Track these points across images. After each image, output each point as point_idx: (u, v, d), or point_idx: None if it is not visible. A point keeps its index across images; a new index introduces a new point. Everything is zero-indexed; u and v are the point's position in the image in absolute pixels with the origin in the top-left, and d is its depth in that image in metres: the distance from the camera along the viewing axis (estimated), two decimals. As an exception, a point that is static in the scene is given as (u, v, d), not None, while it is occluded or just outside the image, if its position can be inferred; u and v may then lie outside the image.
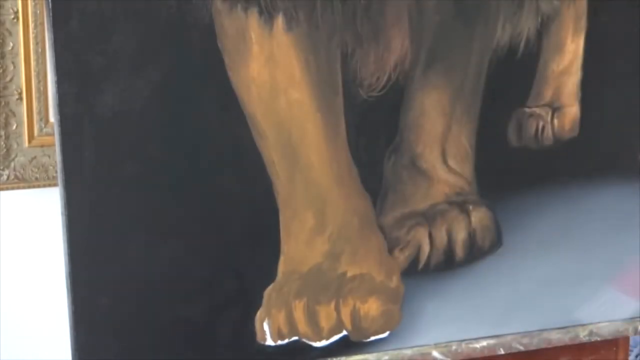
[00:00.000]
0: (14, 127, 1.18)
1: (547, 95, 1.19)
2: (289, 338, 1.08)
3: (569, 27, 1.18)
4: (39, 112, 1.18)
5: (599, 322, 1.24)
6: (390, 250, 1.12)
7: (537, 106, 1.18)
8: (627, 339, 1.35)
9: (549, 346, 1.22)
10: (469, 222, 1.16)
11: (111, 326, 1.01)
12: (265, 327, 1.07)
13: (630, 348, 1.43)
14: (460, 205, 1.15)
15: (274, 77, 1.02)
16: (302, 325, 1.08)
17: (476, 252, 1.17)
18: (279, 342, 1.08)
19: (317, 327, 1.09)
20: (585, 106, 1.20)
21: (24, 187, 1.20)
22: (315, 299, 1.08)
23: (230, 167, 1.03)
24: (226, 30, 1.00)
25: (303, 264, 1.08)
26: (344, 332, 1.10)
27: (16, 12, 1.15)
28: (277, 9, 1.01)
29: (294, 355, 1.09)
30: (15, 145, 1.18)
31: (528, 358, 1.22)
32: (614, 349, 1.35)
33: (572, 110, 1.20)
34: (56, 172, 1.03)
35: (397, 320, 1.13)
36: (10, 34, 1.15)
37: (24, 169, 1.19)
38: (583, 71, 1.20)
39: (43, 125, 1.19)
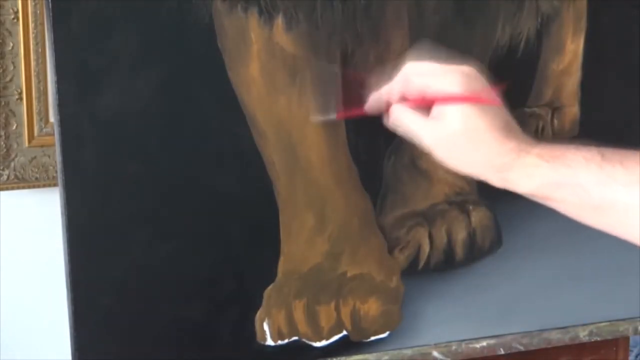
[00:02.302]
0: (14, 127, 1.18)
1: (547, 95, 1.19)
2: (289, 338, 1.08)
3: (569, 27, 1.18)
4: (39, 112, 1.18)
5: (599, 322, 1.24)
6: (390, 250, 1.12)
7: (537, 106, 1.18)
8: (627, 339, 1.35)
9: (549, 346, 1.22)
10: (469, 222, 1.16)
11: (111, 326, 1.01)
12: (265, 327, 1.07)
13: (630, 348, 1.43)
14: (460, 205, 1.15)
15: (274, 77, 1.02)
16: (302, 325, 1.08)
17: (476, 252, 1.17)
18: (279, 342, 1.08)
19: (317, 327, 1.09)
20: (585, 106, 1.20)
21: (24, 187, 1.20)
22: (315, 299, 1.08)
23: (230, 167, 1.03)
24: (226, 30, 1.00)
25: (303, 264, 1.08)
26: (344, 332, 1.10)
27: (16, 12, 1.15)
28: (277, 9, 1.01)
29: (294, 355, 1.09)
30: (15, 145, 1.18)
31: (528, 358, 1.22)
32: (614, 349, 1.35)
33: (572, 110, 1.20)
34: (56, 172, 1.03)
35: (397, 320, 1.13)
36: (10, 34, 1.15)
37: (24, 169, 1.19)
38: (583, 71, 1.20)
39: (43, 125, 1.18)
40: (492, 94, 0.83)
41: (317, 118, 1.03)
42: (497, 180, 0.81)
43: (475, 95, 0.80)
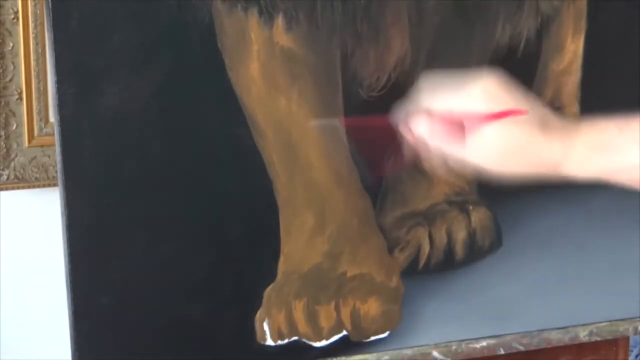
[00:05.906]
0: (14, 127, 1.18)
1: (547, 95, 1.19)
2: (289, 338, 1.08)
3: (569, 27, 1.18)
4: (39, 112, 1.18)
5: (599, 322, 1.24)
6: (390, 250, 1.12)
7: (537, 106, 1.18)
8: (627, 339, 1.35)
9: (549, 346, 1.22)
10: (469, 222, 1.16)
11: (111, 326, 1.01)
12: (265, 327, 1.07)
13: (630, 348, 1.43)
14: (460, 205, 1.15)
15: (274, 77, 1.02)
16: (302, 325, 1.08)
17: (476, 252, 1.17)
18: (279, 342, 1.08)
19: (317, 327, 1.09)
20: (585, 106, 1.20)
21: (24, 187, 1.20)
22: (315, 299, 1.08)
23: (230, 167, 1.03)
24: (226, 30, 1.00)
25: (303, 264, 1.08)
26: (344, 332, 1.10)
27: (16, 12, 1.15)
28: (277, 9, 1.01)
29: (294, 355, 1.09)
30: (15, 145, 1.18)
31: (528, 358, 1.22)
32: (614, 349, 1.36)
33: (572, 110, 1.20)
34: (56, 172, 1.03)
35: (397, 320, 1.13)
36: (10, 34, 1.15)
37: (24, 169, 1.19)
38: (583, 71, 1.20)
39: (43, 125, 1.18)
40: (516, 101, 0.83)
41: (319, 123, 1.03)
42: (555, 175, 0.82)
43: (501, 112, 0.80)
